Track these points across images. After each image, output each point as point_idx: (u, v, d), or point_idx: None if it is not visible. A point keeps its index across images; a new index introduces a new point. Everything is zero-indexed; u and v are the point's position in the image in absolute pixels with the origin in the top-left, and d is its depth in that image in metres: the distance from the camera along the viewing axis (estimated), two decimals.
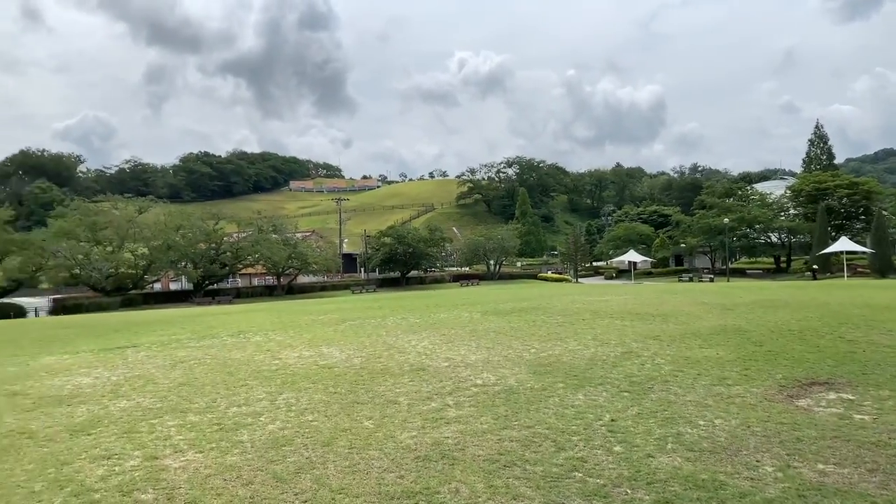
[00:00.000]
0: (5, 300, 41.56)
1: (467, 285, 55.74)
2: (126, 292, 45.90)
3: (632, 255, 59.37)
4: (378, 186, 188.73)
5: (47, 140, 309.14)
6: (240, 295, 51.46)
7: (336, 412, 6.32)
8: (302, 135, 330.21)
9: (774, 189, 66.57)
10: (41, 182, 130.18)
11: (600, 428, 5.53)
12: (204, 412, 6.50)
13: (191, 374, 8.79)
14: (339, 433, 5.57)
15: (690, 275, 53.83)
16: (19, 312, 38.02)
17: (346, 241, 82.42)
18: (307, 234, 69.88)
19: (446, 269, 69.25)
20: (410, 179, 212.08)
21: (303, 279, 59.59)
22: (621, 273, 63.66)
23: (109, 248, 47.12)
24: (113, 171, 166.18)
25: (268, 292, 53.85)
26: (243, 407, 6.68)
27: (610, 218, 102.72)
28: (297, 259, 53.96)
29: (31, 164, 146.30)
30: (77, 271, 43.96)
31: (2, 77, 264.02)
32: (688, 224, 62.61)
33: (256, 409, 6.54)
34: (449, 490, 4.27)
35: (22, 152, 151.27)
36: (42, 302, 43.32)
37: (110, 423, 6.19)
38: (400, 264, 61.26)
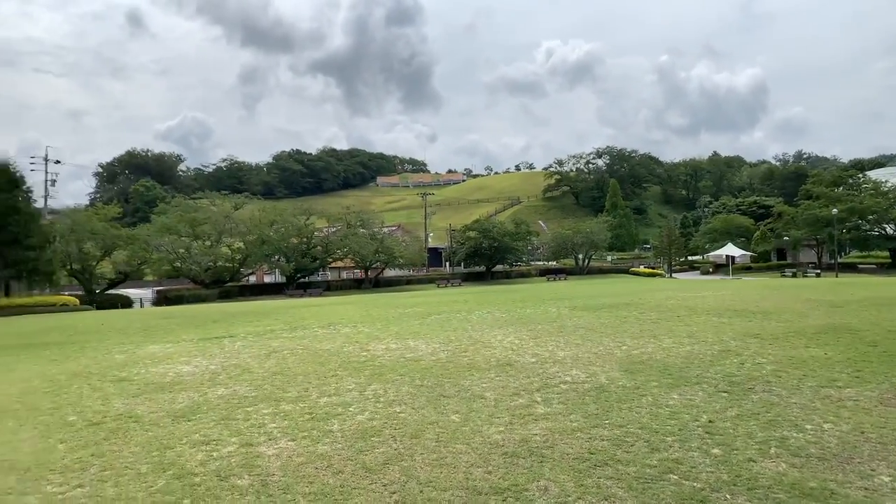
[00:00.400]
0: (113, 291, 44.57)
1: (554, 280, 55.06)
2: (223, 284, 48.22)
3: (730, 249, 56.76)
4: (463, 180, 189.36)
5: (150, 140, 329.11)
6: (330, 288, 52.98)
7: (423, 405, 6.34)
8: (388, 131, 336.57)
9: (890, 177, 61.54)
10: (145, 180, 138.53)
11: (697, 429, 5.27)
12: (296, 401, 6.68)
13: (284, 364, 9.07)
14: (427, 426, 5.58)
15: (794, 270, 50.88)
16: (126, 303, 40.66)
17: (431, 235, 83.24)
18: (393, 228, 71.08)
19: (533, 263, 68.66)
20: (496, 172, 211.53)
21: (389, 273, 60.68)
22: (718, 268, 61.01)
23: (208, 243, 49.61)
24: (210, 170, 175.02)
25: (356, 285, 55.16)
26: (333, 397, 6.82)
27: (706, 210, 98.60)
28: (384, 253, 54.94)
29: (136, 164, 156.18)
30: (178, 264, 46.54)
31: (111, 82, 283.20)
32: (791, 216, 58.89)
33: (346, 400, 6.66)
34: (537, 488, 4.17)
35: (128, 153, 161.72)
36: (146, 293, 46.21)
37: (209, 409, 6.46)
38: (485, 258, 61.23)
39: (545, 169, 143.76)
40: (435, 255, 75.84)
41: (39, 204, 42.65)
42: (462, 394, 6.76)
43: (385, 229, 62.44)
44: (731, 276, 48.77)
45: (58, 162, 56.34)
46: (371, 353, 9.88)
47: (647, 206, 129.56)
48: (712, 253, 63.67)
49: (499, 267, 63.45)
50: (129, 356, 10.68)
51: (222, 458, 4.89)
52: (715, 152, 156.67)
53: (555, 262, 69.59)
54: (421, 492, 4.17)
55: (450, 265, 70.41)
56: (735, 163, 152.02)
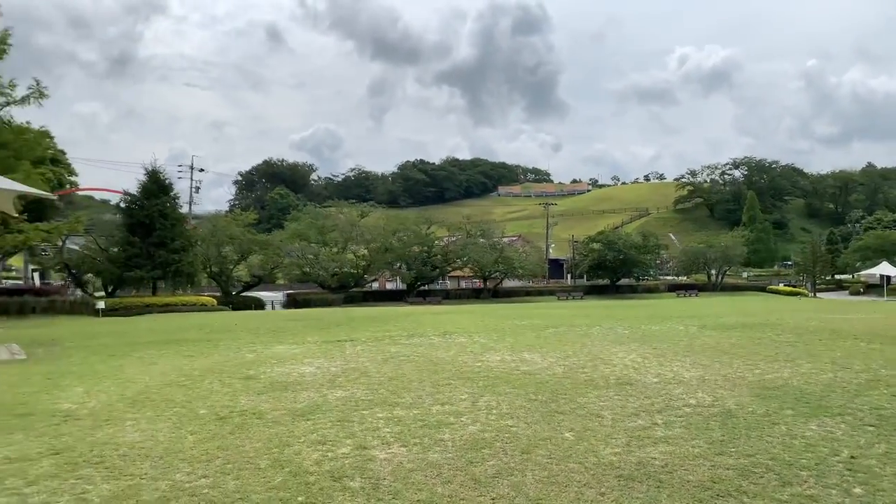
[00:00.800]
0: (248, 294, 47.61)
1: (684, 296, 52.63)
2: (348, 290, 50.19)
3: (885, 268, 51.72)
4: (588, 190, 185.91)
5: (285, 150, 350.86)
6: (448, 296, 53.67)
7: (536, 420, 6.18)
8: (511, 140, 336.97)
9: None
10: (280, 188, 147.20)
11: (836, 464, 4.74)
12: (410, 407, 6.73)
13: (400, 370, 9.21)
14: (539, 442, 5.42)
15: None
16: (259, 305, 43.30)
17: (552, 246, 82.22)
18: (514, 238, 70.89)
19: (661, 277, 66.04)
20: (623, 183, 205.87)
21: (508, 283, 60.50)
22: (870, 288, 55.73)
23: (335, 249, 51.85)
24: (340, 179, 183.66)
25: (474, 295, 55.50)
26: (446, 406, 6.81)
27: (858, 225, 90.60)
28: (504, 263, 54.92)
29: (272, 173, 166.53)
30: (307, 269, 49.00)
31: (251, 95, 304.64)
32: None
33: (458, 409, 6.63)
34: None
35: (265, 162, 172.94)
36: (278, 296, 48.99)
37: (327, 410, 6.65)
38: (609, 271, 59.64)
39: (676, 179, 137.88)
40: (556, 267, 74.91)
41: (184, 209, 46.41)
42: (577, 411, 6.53)
43: (505, 239, 62.46)
44: (885, 298, 44.30)
45: (202, 170, 61.33)
46: (485, 363, 9.81)
47: (789, 221, 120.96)
48: (864, 272, 58.27)
49: (624, 280, 61.56)
50: (257, 355, 11.28)
51: (336, 458, 4.99)
52: (869, 163, 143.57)
53: (685, 278, 66.57)
54: None
55: (571, 277, 69.26)
56: (893, 175, 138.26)
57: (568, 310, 26.28)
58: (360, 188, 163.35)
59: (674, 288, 60.48)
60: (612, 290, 60.07)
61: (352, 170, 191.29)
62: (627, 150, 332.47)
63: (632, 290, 60.66)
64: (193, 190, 61.70)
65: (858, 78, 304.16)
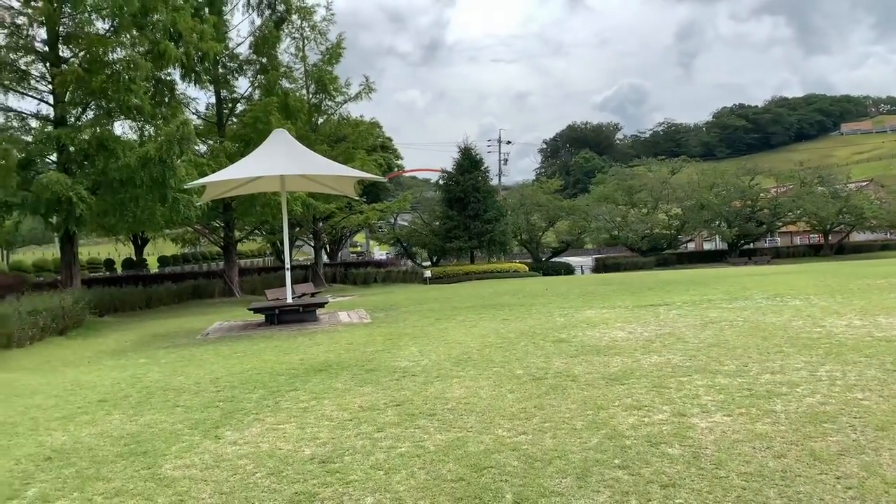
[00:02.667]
0: (557, 259, 48.88)
1: None
2: (660, 252, 48.38)
3: None
4: None
5: (588, 112, 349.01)
6: (779, 255, 48.40)
7: (894, 393, 5.22)
8: (855, 68, 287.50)
9: None
10: (584, 152, 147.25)
11: None
12: (734, 375, 6.23)
13: (721, 336, 8.57)
14: None
15: None
16: (568, 270, 44.20)
17: None
18: (863, 183, 60.51)
19: None
20: None
21: (857, 237, 52.10)
22: None
23: (644, 210, 50.29)
24: (647, 135, 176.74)
25: (812, 252, 49.10)
26: (777, 375, 6.14)
27: None
28: (850, 213, 47.46)
29: (575, 137, 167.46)
30: (615, 233, 48.43)
31: (553, 61, 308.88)
32: None
33: (793, 379, 5.92)
34: None
35: (568, 127, 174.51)
36: (586, 261, 49.41)
37: (641, 376, 6.49)
38: None
39: None
40: None
41: (494, 182, 49.28)
42: None
43: (851, 185, 53.71)
44: None
45: (509, 142, 64.53)
46: (827, 329, 8.59)
47: None
48: None
49: None
50: (568, 319, 11.51)
51: (653, 424, 4.85)
52: None
53: None
54: (886, 492, 3.44)
55: None
56: None
57: None
58: (670, 143, 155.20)
59: None
60: None
61: (660, 124, 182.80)
62: None
63: None
64: (502, 162, 65.32)
65: None
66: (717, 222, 49.85)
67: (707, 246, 58.47)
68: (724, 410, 5.09)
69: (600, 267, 45.32)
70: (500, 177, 63.27)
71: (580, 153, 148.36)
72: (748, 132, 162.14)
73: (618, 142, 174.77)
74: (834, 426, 4.54)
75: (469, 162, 39.29)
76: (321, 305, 15.33)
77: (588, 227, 48.98)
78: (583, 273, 43.40)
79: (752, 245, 51.64)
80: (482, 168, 40.30)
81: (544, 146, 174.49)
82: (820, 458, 3.97)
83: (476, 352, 8.56)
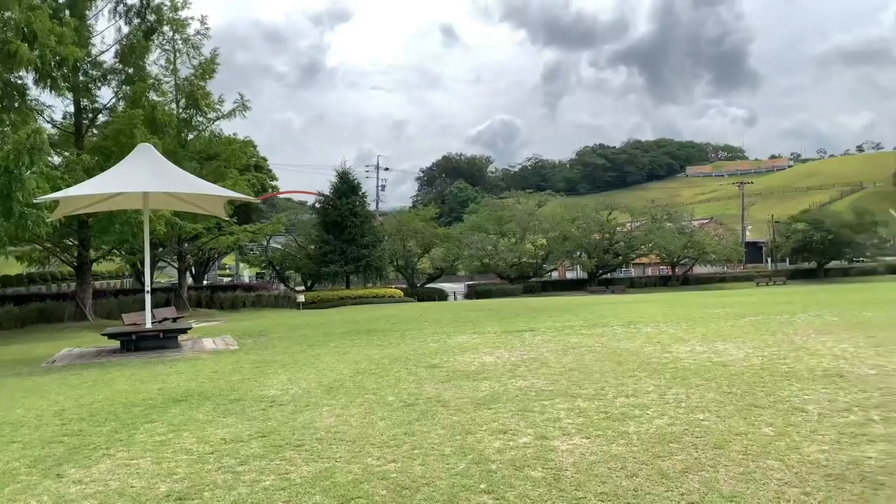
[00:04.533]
0: (432, 285, 49.56)
1: None
2: (527, 280, 50.44)
3: None
4: (789, 166, 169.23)
5: (462, 144, 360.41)
6: (633, 285, 51.84)
7: (730, 413, 5.76)
8: (698, 117, 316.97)
9: None
10: (459, 182, 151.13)
11: None
12: (592, 399, 6.59)
13: (581, 361, 9.05)
14: (733, 437, 5.04)
15: None
16: (442, 296, 44.90)
17: (749, 228, 76.09)
18: (705, 221, 66.57)
19: (879, 258, 58.41)
20: (831, 156, 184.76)
21: (700, 269, 57.05)
22: None
23: (513, 240, 52.30)
24: (517, 169, 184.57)
25: (661, 283, 53.10)
26: (630, 398, 6.58)
27: None
28: (694, 248, 51.94)
29: (450, 167, 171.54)
30: (487, 260, 49.95)
31: (431, 93, 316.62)
32: None
33: (644, 402, 6.37)
34: None
35: (444, 157, 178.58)
36: (459, 287, 50.45)
37: (507, 400, 6.72)
38: (816, 253, 54.05)
39: None
40: (754, 251, 69.32)
41: (372, 207, 49.35)
42: (777, 405, 5.98)
43: (695, 222, 58.89)
44: None
45: (386, 169, 65.19)
46: (674, 354, 9.32)
47: None
48: None
49: (834, 263, 55.36)
50: (440, 345, 11.69)
51: (518, 448, 5.02)
52: None
53: None
54: None
55: (772, 261, 63.64)
56: None
57: (768, 296, 24.12)
58: (536, 177, 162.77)
59: None
60: (819, 274, 54.29)
61: (528, 159, 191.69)
62: (833, 119, 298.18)
63: (843, 274, 54.43)
64: (379, 188, 65.73)
65: None
66: (578, 253, 52.72)
67: (569, 275, 61.59)
68: (582, 433, 5.36)
69: (472, 293, 46.37)
70: (377, 202, 63.56)
71: (455, 183, 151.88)
72: (607, 170, 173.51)
73: (490, 174, 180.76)
74: (679, 446, 4.90)
75: (347, 186, 39.11)
76: (183, 331, 14.53)
77: (461, 254, 50.09)
78: (456, 299, 44.12)
79: (609, 275, 55.01)
80: (360, 193, 40.25)
81: (421, 174, 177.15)
82: (667, 476, 4.27)
83: (348, 379, 8.46)
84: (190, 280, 37.39)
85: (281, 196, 67.42)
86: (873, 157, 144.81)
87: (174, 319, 18.56)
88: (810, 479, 4.09)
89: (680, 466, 4.45)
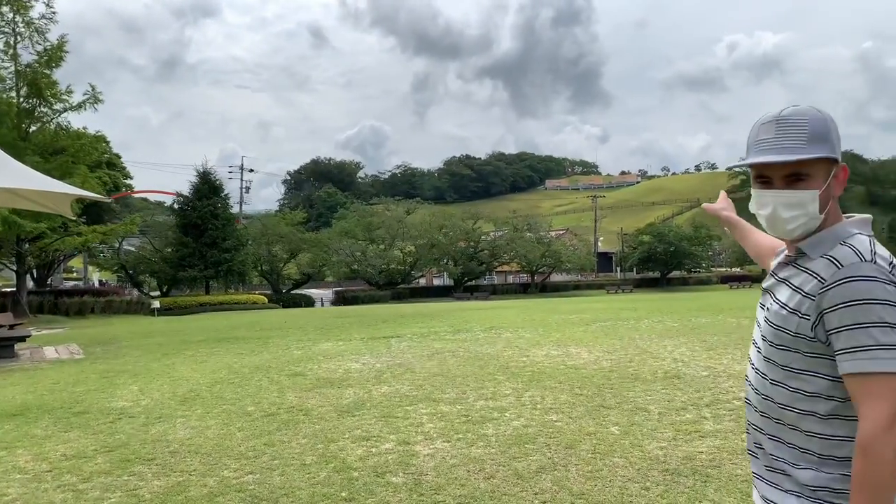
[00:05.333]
0: (298, 291, 48.43)
1: (737, 288, 51.23)
2: (395, 286, 50.61)
3: None
4: (637, 182, 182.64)
5: (332, 149, 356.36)
6: (496, 291, 53.49)
7: (581, 414, 6.11)
8: (556, 133, 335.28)
9: None
10: (328, 187, 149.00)
11: None
12: (454, 403, 6.74)
13: (444, 366, 9.23)
14: (583, 436, 5.35)
15: None
16: (308, 302, 44.02)
17: (601, 239, 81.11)
18: (561, 232, 70.16)
19: (713, 269, 64.39)
20: (674, 173, 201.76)
21: (556, 277, 59.98)
22: None
23: (382, 246, 52.30)
24: (386, 176, 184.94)
25: (522, 290, 55.21)
26: (490, 401, 6.79)
27: None
28: (551, 257, 54.49)
29: (320, 172, 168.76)
30: (355, 267, 49.56)
31: (301, 95, 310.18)
32: None
33: (502, 405, 6.60)
34: None
35: (313, 161, 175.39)
36: (327, 293, 49.69)
37: (372, 406, 6.71)
38: (660, 264, 58.55)
39: (728, 169, 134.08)
40: (605, 260, 73.90)
41: (235, 209, 47.53)
42: (623, 405, 6.43)
43: (553, 233, 61.90)
44: None
45: (251, 171, 62.89)
46: (531, 358, 9.75)
47: (849, 208, 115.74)
48: None
49: (675, 273, 60.35)
50: (305, 352, 11.46)
51: (380, 454, 5.03)
52: None
53: (739, 269, 64.76)
54: (573, 503, 4.00)
55: (621, 271, 68.21)
56: None
57: (617, 303, 25.89)
58: (406, 185, 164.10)
59: (726, 280, 58.96)
60: (662, 283, 58.95)
61: (398, 167, 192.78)
62: (676, 140, 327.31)
63: (683, 283, 59.47)
64: (243, 190, 63.13)
65: None
66: (445, 260, 53.71)
67: (437, 282, 62.56)
68: (444, 437, 5.47)
69: (340, 300, 45.79)
70: (241, 205, 60.95)
71: (324, 188, 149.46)
72: (473, 181, 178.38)
73: (359, 180, 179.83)
74: (534, 446, 5.13)
75: (208, 187, 37.34)
76: (21, 339, 13.27)
77: (329, 260, 49.35)
78: (323, 305, 43.39)
79: (474, 282, 56.47)
80: (222, 194, 38.59)
81: (288, 178, 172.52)
82: (522, 477, 4.45)
83: (205, 389, 8.06)
84: (31, 284, 33.96)
85: (136, 195, 63.06)
86: (709, 176, 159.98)
87: (10, 327, 16.78)
88: (650, 475, 4.42)
89: (534, 467, 4.65)
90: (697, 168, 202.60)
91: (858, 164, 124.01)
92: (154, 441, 5.59)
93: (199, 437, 5.72)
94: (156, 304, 31.82)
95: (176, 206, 38.85)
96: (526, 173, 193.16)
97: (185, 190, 38.08)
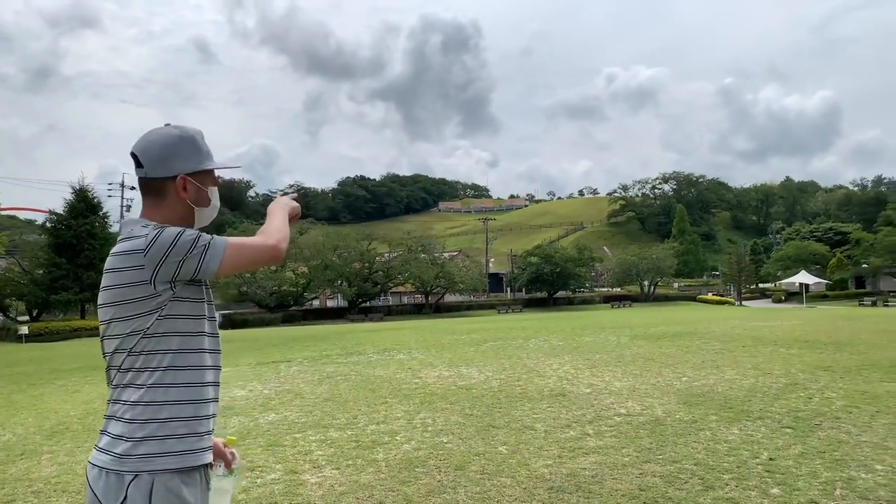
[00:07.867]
0: None
1: (618, 307, 53.91)
2: (287, 308, 49.32)
3: (803, 277, 54.25)
4: (526, 205, 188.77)
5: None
6: (391, 312, 53.36)
7: (471, 435, 6.20)
8: (448, 156, 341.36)
9: None
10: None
11: (756, 467, 4.93)
12: (344, 428, 6.65)
13: (336, 390, 9.10)
14: (473, 457, 5.43)
15: (874, 299, 48.20)
16: None
17: (492, 260, 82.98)
18: (454, 253, 71.21)
19: (596, 289, 67.42)
20: (559, 198, 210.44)
21: (450, 298, 60.68)
22: (791, 296, 58.21)
23: (273, 268, 50.83)
24: (278, 195, 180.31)
25: (416, 310, 55.36)
26: (381, 425, 6.76)
27: (778, 236, 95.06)
28: (445, 278, 55.07)
29: None
30: (244, 289, 47.87)
31: (188, 111, 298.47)
32: (871, 242, 56.23)
33: (393, 428, 6.58)
34: None
35: None
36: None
37: (258, 435, 6.50)
38: (547, 284, 60.55)
39: (609, 194, 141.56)
40: (496, 281, 75.50)
41: (115, 229, 44.77)
42: (512, 424, 6.59)
43: (446, 254, 62.65)
44: (804, 305, 46.49)
45: (133, 188, 59.21)
46: (423, 380, 9.80)
47: (716, 232, 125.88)
48: (785, 280, 60.99)
49: (561, 293, 62.63)
50: None
51: (266, 484, 4.87)
52: (787, 177, 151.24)
53: (619, 289, 68.16)
54: None
55: (511, 291, 69.94)
56: (809, 188, 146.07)
57: (506, 323, 26.52)
58: None
59: (608, 299, 61.89)
60: (549, 303, 61.00)
61: (290, 186, 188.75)
62: (560, 165, 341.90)
63: (568, 302, 61.79)
64: (124, 209, 59.45)
65: (773, 96, 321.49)
66: (339, 282, 52.99)
67: (331, 303, 61.54)
68: (333, 464, 5.38)
69: (228, 323, 43.97)
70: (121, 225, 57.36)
71: None
72: (367, 201, 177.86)
73: (250, 199, 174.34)
74: (424, 469, 5.15)
75: (85, 205, 35.01)
76: None
77: (217, 282, 47.33)
78: None
79: (369, 303, 56.06)
80: (101, 213, 36.25)
81: None
82: (412, 501, 4.45)
83: (77, 421, 7.51)
84: None
85: (3, 213, 57.87)
86: (591, 201, 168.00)
87: None
88: (536, 493, 4.55)
89: (424, 490, 4.66)
90: (581, 193, 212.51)
91: (724, 191, 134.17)
92: (15, 480, 5.13)
93: (67, 473, 5.30)
94: (24, 329, 29.27)
95: (49, 224, 36.15)
96: (420, 195, 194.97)
97: (60, 208, 35.55)
